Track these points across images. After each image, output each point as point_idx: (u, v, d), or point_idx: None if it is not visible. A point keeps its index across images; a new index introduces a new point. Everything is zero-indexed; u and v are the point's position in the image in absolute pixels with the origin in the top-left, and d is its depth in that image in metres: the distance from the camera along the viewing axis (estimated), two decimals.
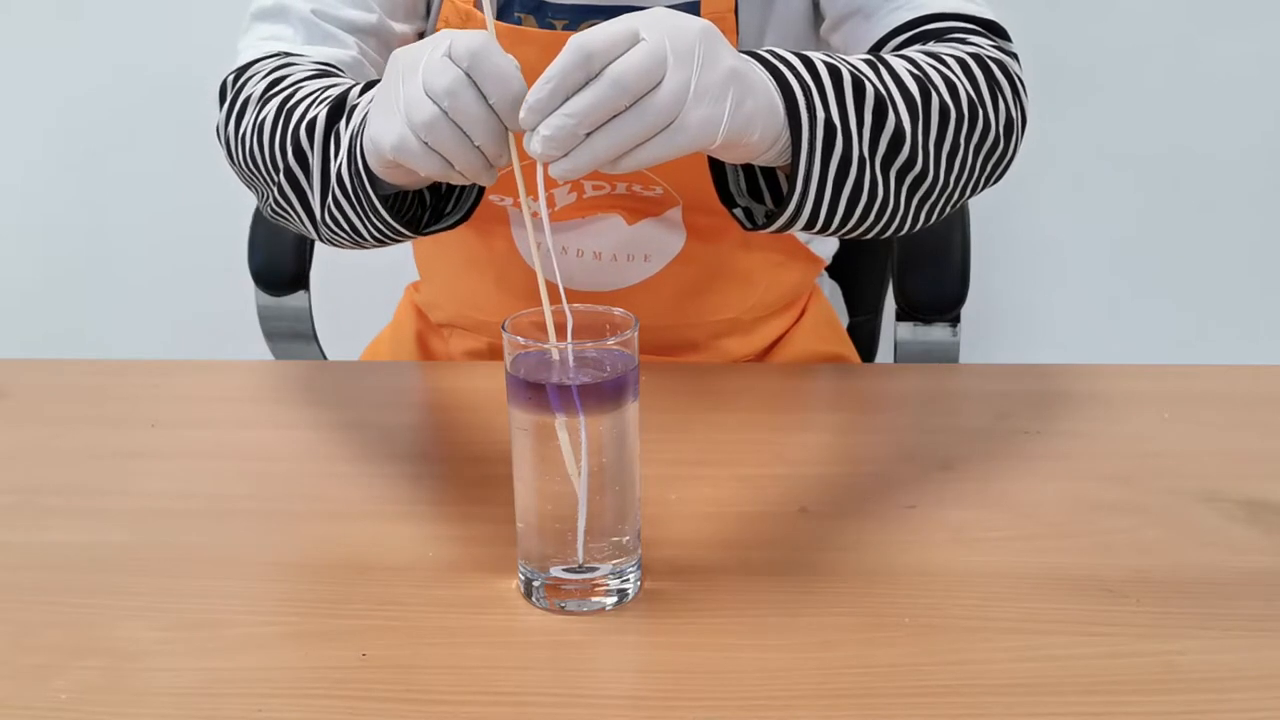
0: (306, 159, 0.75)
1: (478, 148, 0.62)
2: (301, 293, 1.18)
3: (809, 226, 0.70)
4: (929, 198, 0.74)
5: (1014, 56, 0.83)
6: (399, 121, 0.62)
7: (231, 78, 0.86)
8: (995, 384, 0.93)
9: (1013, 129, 0.80)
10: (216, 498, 0.78)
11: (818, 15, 0.93)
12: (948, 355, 1.15)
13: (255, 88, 0.83)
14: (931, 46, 0.81)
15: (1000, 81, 0.78)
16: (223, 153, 0.86)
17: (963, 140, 0.74)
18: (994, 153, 0.78)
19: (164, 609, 0.66)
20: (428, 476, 0.80)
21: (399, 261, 1.17)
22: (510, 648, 0.62)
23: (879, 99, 0.69)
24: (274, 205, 0.82)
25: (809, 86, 0.67)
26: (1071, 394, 0.91)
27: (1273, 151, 1.74)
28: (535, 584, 0.65)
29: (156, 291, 1.87)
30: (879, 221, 0.73)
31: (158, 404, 0.91)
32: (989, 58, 0.79)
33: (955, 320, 1.15)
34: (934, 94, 0.72)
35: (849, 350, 1.16)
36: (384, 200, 0.71)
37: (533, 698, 0.58)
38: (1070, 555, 0.70)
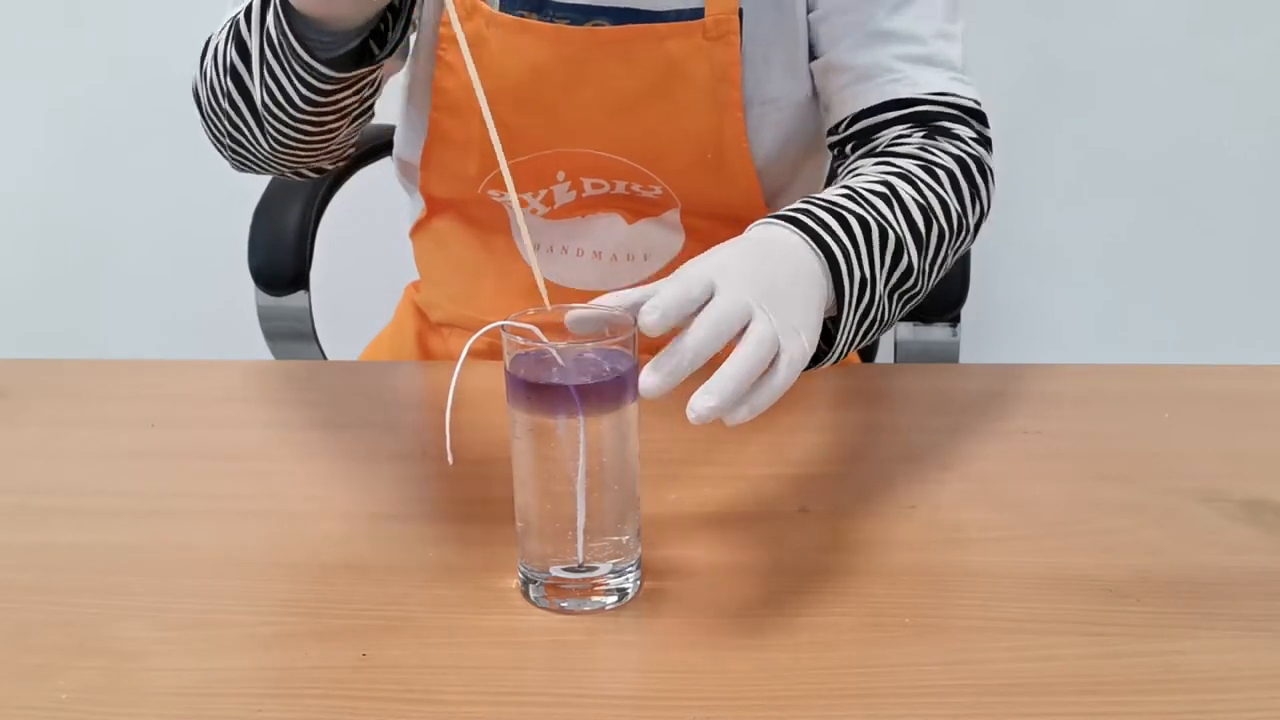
0: (245, 46, 0.76)
1: None
2: (301, 293, 1.18)
3: (833, 363, 0.73)
4: (913, 301, 0.80)
5: (989, 143, 0.89)
6: None
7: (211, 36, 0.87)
8: (995, 384, 0.93)
9: (981, 221, 0.87)
10: (216, 498, 0.78)
11: (810, 52, 0.93)
12: (948, 355, 1.15)
13: (220, 33, 0.84)
14: (926, 147, 0.85)
15: (978, 184, 0.85)
16: (198, 114, 0.87)
17: (947, 251, 0.82)
18: (963, 246, 0.86)
19: (164, 609, 0.66)
20: (428, 476, 0.80)
21: (399, 261, 1.17)
22: (510, 648, 0.62)
23: (898, 243, 0.75)
24: (229, 135, 0.82)
25: (847, 249, 0.71)
26: (1071, 394, 0.91)
27: (1273, 153, 1.74)
28: (535, 583, 0.65)
29: (156, 291, 1.88)
30: (875, 337, 0.77)
31: (158, 404, 0.91)
32: (971, 158, 0.86)
33: (955, 320, 1.15)
34: (934, 222, 0.79)
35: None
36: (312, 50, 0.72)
37: (533, 697, 0.58)
38: (1070, 555, 0.70)
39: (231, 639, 0.63)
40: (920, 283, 0.78)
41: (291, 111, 0.78)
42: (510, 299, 1.01)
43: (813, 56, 0.92)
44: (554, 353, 0.62)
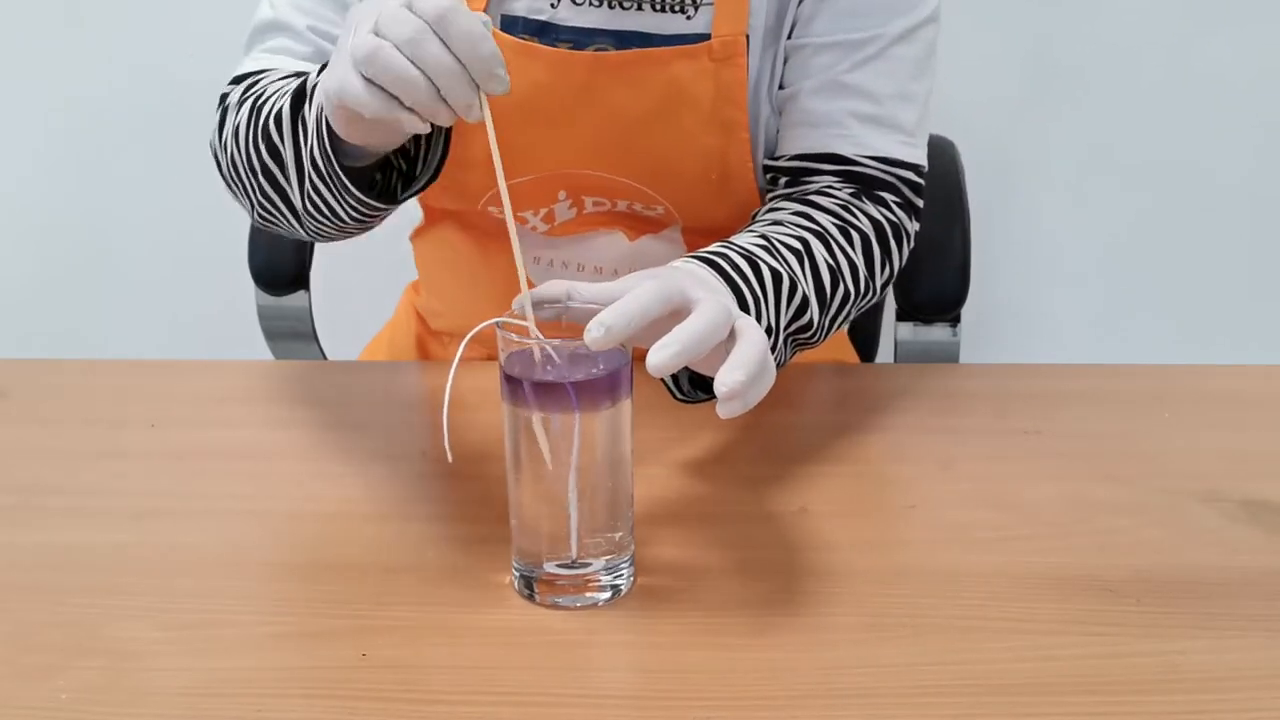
0: (279, 152, 0.76)
1: (441, 97, 0.62)
2: (301, 292, 1.18)
3: None
4: (805, 349, 0.83)
5: (915, 210, 0.91)
6: (344, 65, 0.63)
7: (226, 93, 0.88)
8: (995, 384, 0.94)
9: (889, 282, 0.90)
10: (216, 498, 0.78)
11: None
12: (948, 355, 1.15)
13: (235, 96, 0.85)
14: (848, 206, 0.87)
15: (891, 249, 0.88)
16: (215, 170, 0.88)
17: (850, 310, 0.85)
18: (867, 304, 0.89)
19: (164, 609, 0.66)
20: (427, 476, 0.80)
21: (399, 261, 1.17)
22: (509, 647, 0.62)
23: (803, 299, 0.78)
24: (260, 211, 0.83)
25: (758, 296, 0.74)
26: (1071, 394, 0.91)
27: (1272, 151, 1.74)
28: (529, 580, 0.65)
29: (156, 291, 1.87)
30: None
31: (158, 404, 0.91)
32: (889, 223, 0.88)
33: (955, 320, 1.15)
34: (841, 284, 0.83)
35: (848, 351, 1.16)
36: (357, 176, 0.73)
37: (532, 697, 0.58)
38: (1070, 555, 0.70)
39: (231, 639, 0.63)
40: (818, 335, 0.82)
41: (337, 222, 0.78)
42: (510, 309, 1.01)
43: (780, 85, 0.93)
44: (549, 349, 0.62)
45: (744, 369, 0.59)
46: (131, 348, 1.87)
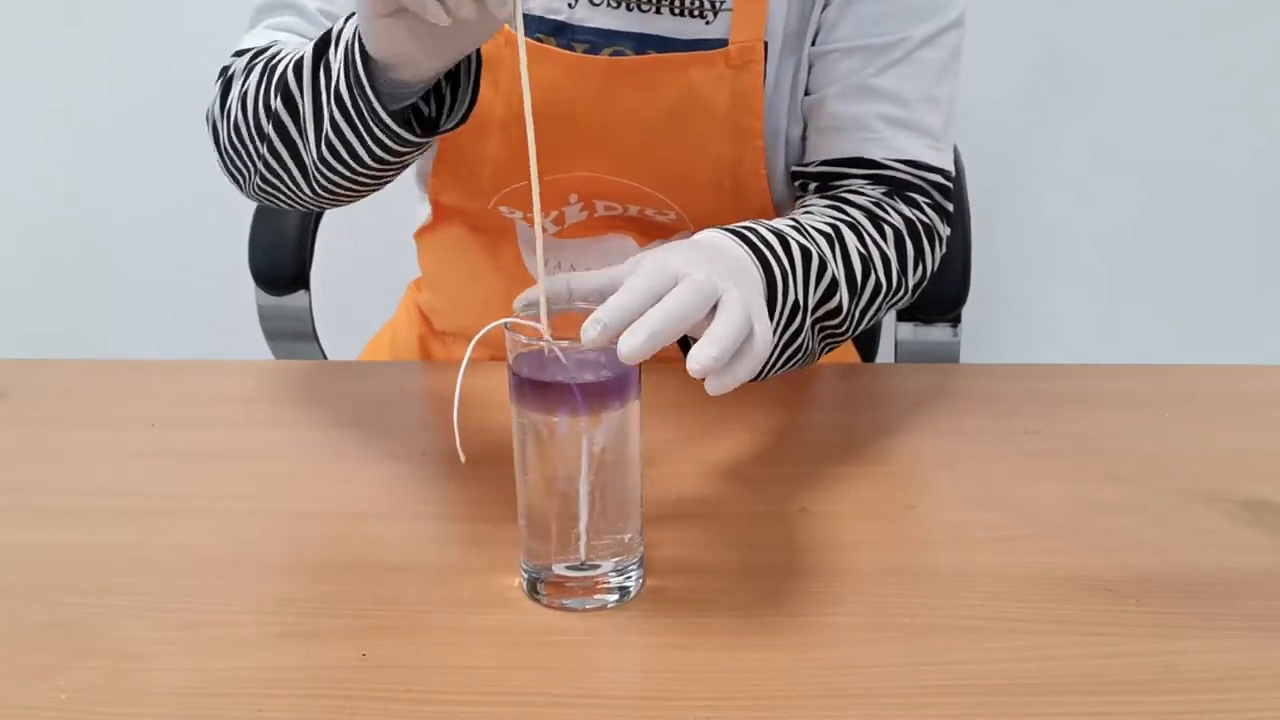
0: (295, 102, 0.75)
1: None
2: (301, 292, 1.18)
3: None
4: (836, 341, 0.82)
5: (946, 214, 0.91)
6: None
7: (227, 65, 0.86)
8: (995, 384, 0.93)
9: (921, 283, 0.89)
10: (216, 498, 0.78)
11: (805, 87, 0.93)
12: (948, 355, 1.15)
13: (240, 64, 0.84)
14: (881, 203, 0.87)
15: (924, 247, 0.88)
16: (210, 142, 0.86)
17: (881, 304, 0.85)
18: (899, 303, 0.89)
19: (164, 609, 0.66)
20: (428, 476, 0.80)
21: (399, 261, 1.17)
22: (510, 647, 0.62)
23: (832, 280, 0.77)
24: (261, 176, 0.81)
25: (786, 270, 0.73)
26: (1071, 394, 0.91)
27: (1274, 152, 1.74)
28: (537, 582, 0.65)
29: (156, 291, 1.88)
30: (792, 368, 0.78)
31: (158, 404, 0.91)
32: (922, 223, 0.88)
33: (955, 320, 1.15)
34: (872, 273, 0.82)
35: (849, 351, 1.16)
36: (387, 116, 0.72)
37: (533, 697, 0.58)
38: (1070, 555, 0.70)
39: (231, 639, 0.63)
40: (847, 325, 0.80)
41: (356, 168, 0.77)
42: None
43: (806, 92, 0.92)
44: (557, 351, 0.62)
45: (717, 344, 0.58)
46: (131, 348, 1.87)
